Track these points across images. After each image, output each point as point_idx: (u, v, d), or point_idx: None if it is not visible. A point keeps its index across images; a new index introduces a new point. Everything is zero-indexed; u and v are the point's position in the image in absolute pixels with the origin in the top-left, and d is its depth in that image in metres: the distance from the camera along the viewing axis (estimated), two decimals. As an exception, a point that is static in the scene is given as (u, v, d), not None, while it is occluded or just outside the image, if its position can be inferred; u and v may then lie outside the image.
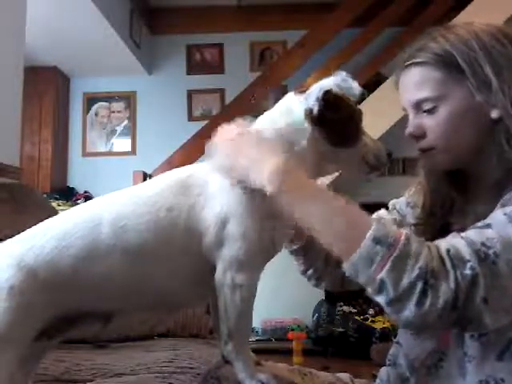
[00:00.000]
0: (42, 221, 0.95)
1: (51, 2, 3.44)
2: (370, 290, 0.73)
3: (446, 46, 0.89)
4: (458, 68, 0.87)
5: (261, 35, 4.83)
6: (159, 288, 0.92)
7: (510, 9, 3.49)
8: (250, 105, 3.76)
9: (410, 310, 0.70)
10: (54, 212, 2.00)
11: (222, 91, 4.81)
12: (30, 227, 0.94)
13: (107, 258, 0.88)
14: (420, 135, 0.93)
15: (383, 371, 1.02)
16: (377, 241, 0.72)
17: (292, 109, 0.94)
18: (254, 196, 0.87)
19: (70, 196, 4.41)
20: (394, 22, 3.92)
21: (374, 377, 1.05)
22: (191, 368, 1.36)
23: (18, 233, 0.94)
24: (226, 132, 0.90)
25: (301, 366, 1.08)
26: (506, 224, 0.75)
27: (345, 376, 1.09)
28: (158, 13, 4.87)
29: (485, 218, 0.79)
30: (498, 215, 0.77)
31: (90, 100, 4.85)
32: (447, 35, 0.90)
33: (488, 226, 0.76)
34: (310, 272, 1.11)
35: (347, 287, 1.10)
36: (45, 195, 3.68)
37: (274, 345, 3.79)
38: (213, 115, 4.55)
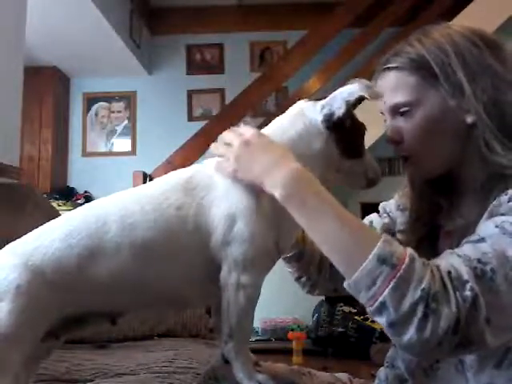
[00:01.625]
0: (41, 221, 0.95)
1: (51, 2, 3.44)
2: (370, 310, 0.72)
3: (420, 51, 0.89)
4: (432, 73, 0.88)
5: (261, 35, 4.83)
6: (166, 287, 0.92)
7: (510, 9, 3.48)
8: (249, 105, 3.76)
9: (410, 334, 0.69)
10: (54, 212, 2.00)
11: (222, 91, 4.81)
12: (30, 227, 0.94)
13: (115, 257, 0.88)
14: (398, 140, 0.92)
15: (382, 372, 1.02)
16: (381, 260, 0.70)
17: (306, 114, 0.94)
18: (261, 197, 0.87)
19: (70, 196, 4.41)
20: (394, 22, 3.92)
21: (373, 377, 1.06)
22: (191, 368, 1.36)
23: (17, 233, 0.94)
24: (237, 134, 0.89)
25: (300, 366, 1.08)
26: (499, 237, 0.74)
27: (344, 376, 1.09)
28: (158, 13, 4.88)
29: (473, 220, 0.79)
30: (490, 228, 0.76)
31: (90, 100, 4.85)
32: (423, 39, 0.91)
33: (482, 239, 0.75)
34: (303, 279, 1.11)
35: (340, 293, 1.10)
36: (45, 195, 3.68)
37: (273, 345, 3.79)
38: (213, 115, 4.55)
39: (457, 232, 0.89)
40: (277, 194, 0.79)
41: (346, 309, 3.80)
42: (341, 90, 0.91)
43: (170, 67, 4.90)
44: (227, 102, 4.49)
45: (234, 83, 4.35)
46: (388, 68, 0.92)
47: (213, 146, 0.92)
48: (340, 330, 3.70)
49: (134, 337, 1.86)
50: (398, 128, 0.92)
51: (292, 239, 0.98)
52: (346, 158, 0.94)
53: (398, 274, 0.69)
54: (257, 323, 4.02)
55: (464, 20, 3.50)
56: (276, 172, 0.81)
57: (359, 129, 0.96)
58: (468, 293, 0.69)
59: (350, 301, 3.85)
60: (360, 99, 0.90)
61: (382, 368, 1.03)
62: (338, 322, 3.75)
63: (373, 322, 3.67)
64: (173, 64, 4.89)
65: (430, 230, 0.95)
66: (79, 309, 0.91)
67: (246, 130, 0.89)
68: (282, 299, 4.04)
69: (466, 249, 0.75)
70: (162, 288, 0.93)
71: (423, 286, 0.68)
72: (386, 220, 1.07)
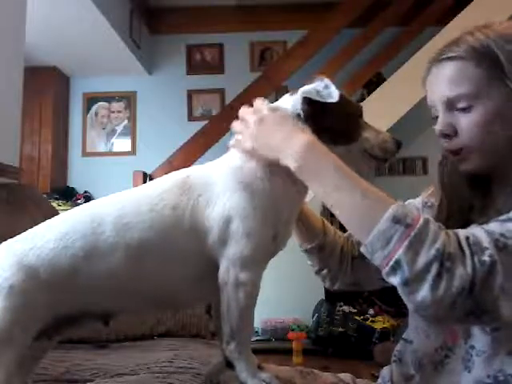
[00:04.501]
0: (41, 221, 0.95)
1: (51, 2, 3.44)
2: (384, 271, 0.72)
3: (485, 41, 0.86)
4: (498, 64, 0.84)
5: (261, 35, 4.84)
6: (162, 287, 0.92)
7: (510, 9, 3.48)
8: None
9: (424, 292, 0.69)
10: (54, 212, 2.00)
11: (222, 91, 4.82)
12: (29, 227, 0.94)
13: (110, 257, 0.88)
14: (451, 134, 0.89)
15: (386, 370, 1.02)
16: (396, 220, 0.72)
17: (287, 109, 0.94)
18: (257, 194, 0.87)
19: (69, 196, 4.41)
20: (394, 22, 3.92)
21: (374, 377, 1.05)
22: (191, 368, 1.36)
23: (17, 233, 0.93)
24: (256, 109, 0.91)
25: (302, 367, 1.08)
26: None
27: (346, 376, 1.09)
28: (157, 13, 4.88)
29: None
30: None
31: (90, 100, 4.85)
32: (485, 30, 0.87)
33: (509, 219, 0.75)
34: (324, 272, 1.10)
35: (362, 288, 1.10)
36: (45, 195, 3.68)
37: (274, 345, 3.79)
38: (213, 115, 4.55)
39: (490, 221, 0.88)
40: (292, 166, 0.82)
41: (346, 309, 3.80)
42: (302, 88, 0.92)
43: (170, 67, 4.90)
44: (227, 102, 4.49)
45: (234, 83, 4.35)
46: (449, 58, 0.88)
47: (234, 123, 0.94)
48: (340, 330, 3.70)
49: (133, 337, 1.85)
50: (454, 122, 0.88)
51: (290, 234, 0.98)
52: (333, 145, 0.90)
53: (413, 233, 0.70)
54: (257, 323, 4.02)
55: (464, 20, 3.50)
56: (290, 145, 0.83)
57: (347, 114, 0.94)
58: (487, 258, 0.69)
59: (350, 301, 3.85)
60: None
61: (386, 367, 1.03)
62: (338, 321, 3.75)
63: (373, 322, 3.67)
64: (173, 64, 4.89)
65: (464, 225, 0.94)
66: (73, 309, 0.91)
67: (261, 106, 0.91)
68: (282, 299, 4.04)
69: (492, 225, 0.75)
70: (157, 288, 0.92)
71: (438, 245, 0.69)
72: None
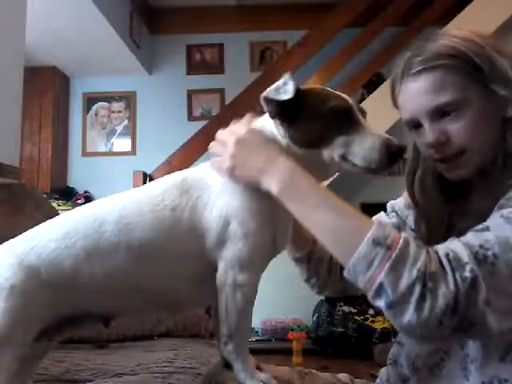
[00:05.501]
0: (41, 221, 0.95)
1: (51, 2, 3.44)
2: (369, 295, 0.72)
3: (457, 47, 0.87)
4: (476, 67, 0.86)
5: (261, 35, 4.83)
6: (161, 288, 0.92)
7: (510, 9, 3.48)
8: (249, 105, 3.75)
9: (409, 315, 0.69)
10: (54, 212, 2.00)
11: (222, 91, 4.81)
12: (30, 227, 0.94)
13: (111, 257, 0.88)
14: (444, 142, 0.89)
15: (383, 371, 1.02)
16: (376, 242, 0.71)
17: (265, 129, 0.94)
18: (255, 196, 0.87)
19: (69, 196, 4.41)
20: (394, 22, 3.92)
21: (373, 376, 1.06)
22: (191, 368, 1.36)
23: (17, 233, 0.93)
24: (233, 131, 0.90)
25: (301, 367, 1.08)
26: (503, 225, 0.74)
27: (345, 376, 1.09)
28: (158, 13, 4.88)
29: (487, 215, 0.78)
30: (495, 218, 0.77)
31: (90, 100, 4.85)
32: (448, 38, 0.89)
33: (486, 228, 0.75)
34: (312, 280, 1.11)
35: (350, 293, 1.10)
36: (45, 195, 3.67)
37: (274, 345, 3.79)
38: (213, 115, 4.55)
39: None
40: (273, 190, 0.82)
41: (346, 309, 3.80)
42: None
43: (170, 67, 4.89)
44: (227, 102, 4.49)
45: (234, 83, 4.35)
46: (424, 69, 0.88)
47: (211, 144, 0.93)
48: (340, 330, 3.70)
49: (133, 337, 1.85)
50: (444, 129, 0.88)
51: (288, 236, 0.97)
52: (304, 148, 0.88)
53: (394, 255, 0.70)
54: (257, 323, 4.02)
55: (464, 20, 3.50)
56: (271, 169, 0.83)
57: (316, 114, 0.88)
58: (468, 273, 0.69)
59: (350, 301, 3.85)
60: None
61: (383, 368, 1.03)
62: (338, 322, 3.75)
63: (373, 322, 3.67)
64: (173, 64, 4.89)
65: (446, 230, 0.93)
66: (74, 309, 0.91)
67: (238, 128, 0.90)
68: (281, 299, 4.04)
69: (469, 236, 0.75)
70: (158, 289, 0.92)
71: (419, 265, 0.69)
72: (394, 219, 1.07)
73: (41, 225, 0.94)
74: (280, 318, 4.11)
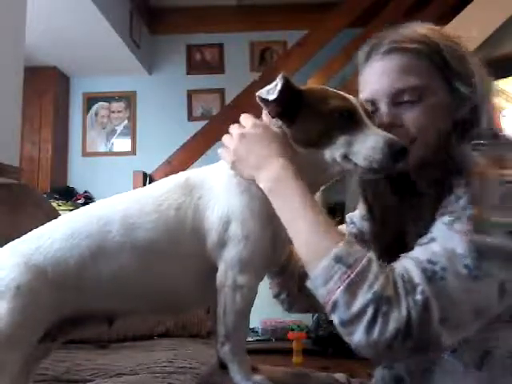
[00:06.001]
0: (41, 221, 0.95)
1: (51, 2, 3.44)
2: (326, 309, 0.73)
3: (430, 36, 0.89)
4: (446, 63, 0.87)
5: (261, 35, 4.83)
6: (165, 287, 0.92)
7: (510, 9, 3.48)
8: (249, 105, 3.75)
9: (359, 335, 0.70)
10: (54, 212, 2.00)
11: (221, 91, 4.81)
12: (29, 227, 0.94)
13: (116, 257, 0.88)
14: (399, 126, 0.88)
15: (378, 372, 1.02)
16: (338, 259, 0.72)
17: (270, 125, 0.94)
18: (256, 197, 0.87)
19: (69, 196, 4.41)
20: (394, 22, 3.92)
21: (370, 376, 1.05)
22: (191, 368, 1.36)
23: (17, 233, 0.94)
24: (242, 124, 0.91)
25: (298, 368, 1.08)
26: (446, 234, 0.74)
27: (341, 376, 1.09)
28: (158, 13, 4.87)
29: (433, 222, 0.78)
30: (438, 227, 0.77)
31: (90, 100, 4.85)
32: (425, 28, 0.91)
33: (432, 240, 0.75)
34: (282, 296, 1.09)
35: (319, 311, 1.09)
36: (45, 195, 3.67)
37: (274, 345, 3.79)
38: (213, 115, 4.55)
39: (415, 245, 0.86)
40: (263, 186, 0.84)
41: (346, 309, 3.80)
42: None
43: (170, 67, 4.89)
44: (227, 102, 4.48)
45: (234, 83, 4.34)
46: (401, 48, 0.88)
47: (224, 136, 0.94)
48: (340, 329, 3.70)
49: (133, 337, 1.85)
50: (400, 114, 0.88)
51: (289, 238, 0.97)
52: (303, 148, 0.88)
53: (353, 275, 0.70)
54: (257, 323, 4.02)
55: (464, 20, 3.50)
56: (264, 167, 0.84)
57: (315, 113, 0.87)
58: (419, 296, 0.69)
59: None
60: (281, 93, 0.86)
61: (378, 368, 1.03)
62: (337, 321, 3.74)
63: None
64: (173, 64, 4.89)
65: (397, 237, 0.93)
66: (79, 310, 0.91)
67: (245, 121, 0.91)
68: (281, 299, 4.03)
69: (417, 251, 0.75)
70: (161, 289, 0.92)
71: (375, 288, 0.69)
72: (354, 230, 1.07)
73: (45, 225, 0.94)
74: (280, 318, 4.11)
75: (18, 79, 2.41)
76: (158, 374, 1.27)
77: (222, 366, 0.89)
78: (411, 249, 0.79)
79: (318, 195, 0.93)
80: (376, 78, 0.91)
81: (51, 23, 3.70)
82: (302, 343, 3.53)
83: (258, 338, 3.94)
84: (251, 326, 3.96)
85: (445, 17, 3.62)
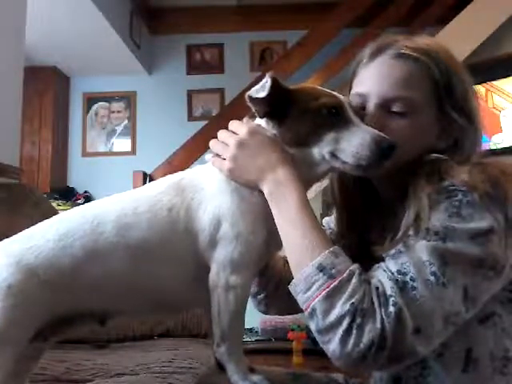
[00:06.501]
0: (39, 221, 0.95)
1: (51, 2, 3.44)
2: (305, 314, 0.75)
3: (444, 59, 0.89)
4: (448, 87, 0.88)
5: (261, 35, 4.83)
6: (158, 288, 0.92)
7: (510, 9, 3.48)
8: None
9: (333, 345, 0.72)
10: (54, 212, 2.00)
11: (221, 91, 4.81)
12: (27, 227, 0.94)
13: (109, 257, 0.88)
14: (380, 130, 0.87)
15: (377, 372, 1.02)
16: (321, 268, 0.74)
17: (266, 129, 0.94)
18: (247, 198, 0.88)
19: (69, 196, 4.41)
20: (394, 22, 3.92)
21: (368, 376, 1.05)
22: (191, 368, 1.36)
23: (15, 233, 0.93)
24: (235, 131, 0.90)
25: (297, 368, 1.08)
26: (412, 242, 0.75)
27: (339, 376, 1.09)
28: (158, 13, 4.87)
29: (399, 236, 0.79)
30: (404, 235, 0.77)
31: (90, 100, 4.85)
32: (441, 49, 0.91)
33: (399, 251, 0.76)
34: (260, 296, 1.09)
35: (293, 313, 1.11)
36: (45, 195, 3.67)
37: (273, 345, 3.78)
38: (213, 115, 4.55)
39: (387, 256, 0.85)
40: (265, 191, 0.85)
41: (346, 309, 3.80)
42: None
43: (170, 67, 4.89)
44: (227, 102, 4.48)
45: (234, 83, 4.34)
46: (409, 55, 0.88)
47: (212, 142, 0.94)
48: (340, 330, 3.70)
49: (133, 337, 1.85)
50: (383, 120, 0.88)
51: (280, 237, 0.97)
52: (294, 147, 0.88)
53: (332, 285, 0.72)
54: (257, 323, 4.02)
55: (464, 20, 3.50)
56: (268, 174, 0.85)
57: (302, 112, 0.87)
58: (391, 308, 0.70)
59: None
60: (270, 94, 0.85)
61: None
62: (337, 322, 3.74)
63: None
64: (173, 64, 4.89)
65: (363, 246, 0.93)
66: (71, 309, 0.91)
67: (240, 129, 0.90)
68: (281, 299, 4.03)
69: (388, 262, 0.76)
70: (155, 289, 0.92)
71: (353, 300, 0.71)
72: (332, 237, 1.06)
73: (38, 224, 0.94)
74: (280, 318, 4.10)
75: (18, 79, 2.41)
76: (157, 374, 1.27)
77: (220, 367, 0.88)
78: (376, 257, 0.80)
79: (312, 195, 0.94)
80: (377, 78, 0.91)
81: (51, 23, 3.71)
82: (302, 343, 3.52)
83: (257, 338, 3.93)
84: (251, 326, 3.96)
85: (445, 17, 3.62)
